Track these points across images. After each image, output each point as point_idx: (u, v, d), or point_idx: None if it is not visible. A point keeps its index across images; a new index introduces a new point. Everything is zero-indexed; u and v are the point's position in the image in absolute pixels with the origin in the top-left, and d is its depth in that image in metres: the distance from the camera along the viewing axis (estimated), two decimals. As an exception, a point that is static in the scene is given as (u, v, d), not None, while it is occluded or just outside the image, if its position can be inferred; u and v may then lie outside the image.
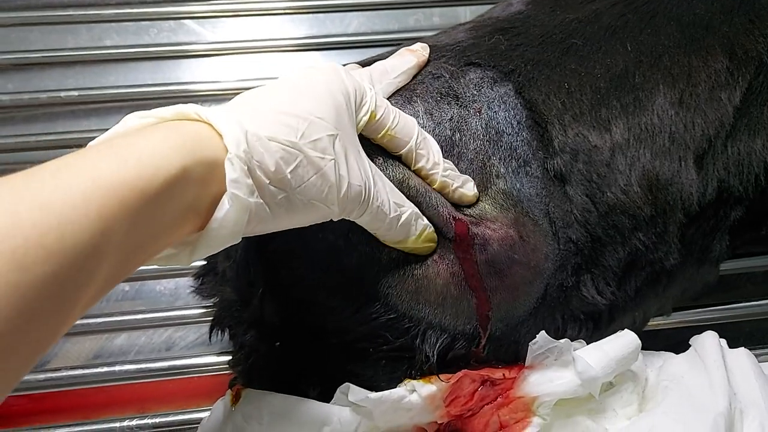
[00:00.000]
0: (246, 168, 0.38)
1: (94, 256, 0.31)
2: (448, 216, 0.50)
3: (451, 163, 0.51)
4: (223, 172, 0.37)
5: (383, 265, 0.50)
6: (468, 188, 0.51)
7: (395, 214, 0.46)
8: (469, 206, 0.52)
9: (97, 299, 0.34)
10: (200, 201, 0.37)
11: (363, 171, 0.44)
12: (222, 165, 0.37)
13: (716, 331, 0.59)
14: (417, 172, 0.50)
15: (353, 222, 0.47)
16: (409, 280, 0.50)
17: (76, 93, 0.81)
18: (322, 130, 0.42)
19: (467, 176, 0.51)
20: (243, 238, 0.53)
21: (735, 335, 0.58)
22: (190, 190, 0.36)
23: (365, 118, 0.47)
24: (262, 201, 0.39)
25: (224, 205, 0.37)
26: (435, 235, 0.50)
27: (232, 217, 0.38)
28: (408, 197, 0.49)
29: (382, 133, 0.48)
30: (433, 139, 0.51)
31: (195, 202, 0.37)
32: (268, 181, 0.39)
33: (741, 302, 0.72)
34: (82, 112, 0.86)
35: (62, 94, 0.81)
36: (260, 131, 0.39)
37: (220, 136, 0.38)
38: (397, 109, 0.49)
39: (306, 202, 0.42)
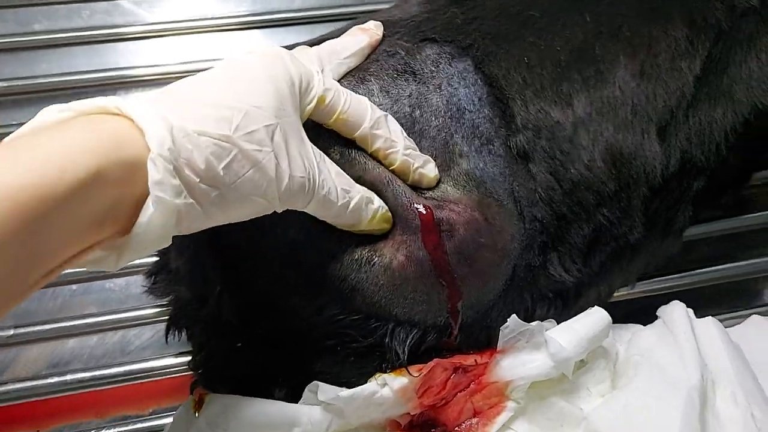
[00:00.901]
0: (171, 167, 0.35)
1: None
2: (412, 206, 0.48)
3: (413, 142, 0.49)
4: (146, 173, 0.34)
5: (345, 262, 0.48)
6: (429, 169, 0.49)
7: (344, 201, 0.44)
8: (430, 189, 0.50)
9: None
10: (120, 204, 0.34)
11: (307, 161, 0.42)
12: (145, 166, 0.34)
13: (678, 298, 0.59)
14: (374, 154, 0.48)
15: (311, 215, 0.44)
16: (374, 284, 0.48)
17: (4, 84, 0.76)
18: (260, 120, 0.39)
19: (428, 157, 0.49)
20: (193, 236, 0.50)
21: (696, 300, 0.58)
22: (106, 194, 0.33)
23: (312, 105, 0.44)
24: (192, 201, 0.36)
25: (148, 209, 0.34)
26: (389, 215, 0.48)
27: (158, 221, 0.35)
28: (366, 186, 0.47)
29: (334, 117, 0.46)
30: (393, 119, 0.48)
31: (114, 206, 0.34)
32: (198, 180, 0.36)
33: (701, 267, 0.72)
34: (11, 103, 0.80)
35: (-11, 85, 0.76)
36: (188, 125, 0.36)
37: (142, 133, 0.35)
38: (348, 90, 0.47)
39: (243, 197, 0.39)
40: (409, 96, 0.50)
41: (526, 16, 0.54)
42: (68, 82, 0.79)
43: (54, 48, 0.83)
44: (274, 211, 0.42)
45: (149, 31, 0.84)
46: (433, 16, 0.55)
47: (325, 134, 0.47)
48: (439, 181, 0.50)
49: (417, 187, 0.49)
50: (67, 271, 0.69)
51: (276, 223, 0.46)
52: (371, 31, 0.52)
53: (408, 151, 0.48)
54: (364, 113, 0.46)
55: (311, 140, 0.44)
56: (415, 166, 0.48)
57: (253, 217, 0.41)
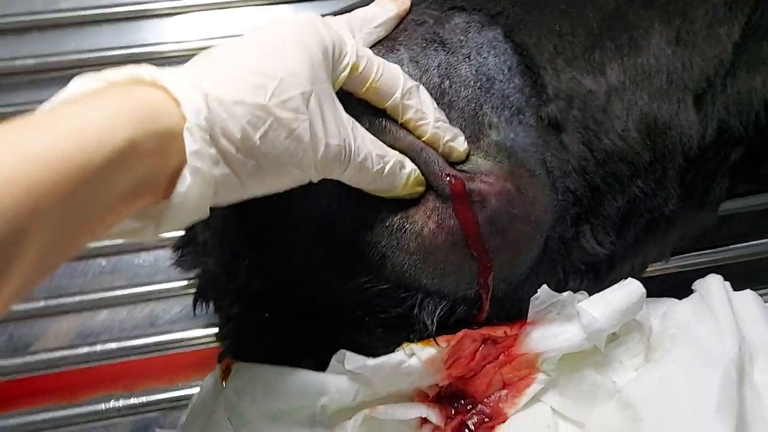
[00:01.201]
0: (208, 137, 0.35)
1: (17, 236, 0.28)
2: (443, 174, 0.47)
3: (444, 114, 0.48)
4: (183, 143, 0.34)
5: (377, 231, 0.48)
6: (458, 142, 0.48)
7: (379, 167, 0.44)
8: (460, 162, 0.49)
9: (32, 282, 0.31)
10: (157, 175, 0.34)
11: (342, 128, 0.41)
12: (181, 135, 0.34)
13: (714, 272, 0.57)
14: (405, 125, 0.47)
15: (344, 184, 0.44)
16: (404, 251, 0.48)
17: (32, 61, 0.76)
18: (295, 87, 0.38)
19: (458, 129, 0.48)
20: (221, 207, 0.50)
21: (732, 276, 0.57)
22: (142, 164, 0.33)
23: (345, 72, 0.43)
24: (229, 171, 0.36)
25: (186, 179, 0.34)
26: (422, 178, 0.47)
27: (196, 191, 0.35)
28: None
29: (366, 86, 0.45)
30: (425, 89, 0.47)
31: (150, 176, 0.34)
32: (234, 150, 0.36)
33: (737, 243, 0.70)
34: (42, 81, 0.81)
35: (17, 62, 0.76)
36: (223, 94, 0.36)
37: (177, 103, 0.34)
38: (380, 59, 0.46)
39: (279, 167, 0.38)
40: (438, 66, 0.49)
41: (558, -17, 0.53)
42: (95, 59, 0.79)
43: (81, 25, 0.83)
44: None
45: (176, 8, 0.84)
46: (462, -17, 0.54)
47: (355, 102, 0.46)
48: (468, 154, 0.49)
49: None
50: (96, 244, 0.70)
51: (307, 193, 0.46)
52: (399, 1, 0.51)
53: (438, 124, 0.47)
54: (396, 82, 0.45)
55: (344, 106, 0.43)
56: (446, 139, 0.47)
57: (290, 187, 0.41)
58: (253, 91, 0.37)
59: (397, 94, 0.45)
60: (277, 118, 0.37)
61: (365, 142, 0.43)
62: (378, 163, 0.43)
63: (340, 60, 0.43)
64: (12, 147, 0.29)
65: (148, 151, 0.33)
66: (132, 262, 0.85)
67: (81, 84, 0.35)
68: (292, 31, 0.41)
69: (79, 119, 0.31)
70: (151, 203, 0.35)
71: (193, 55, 0.79)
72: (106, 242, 0.71)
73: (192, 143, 0.34)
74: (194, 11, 0.85)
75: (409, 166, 0.46)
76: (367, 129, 0.46)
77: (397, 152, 0.46)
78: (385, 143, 0.46)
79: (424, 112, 0.46)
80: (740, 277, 0.58)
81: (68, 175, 0.30)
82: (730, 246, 0.69)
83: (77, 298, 0.67)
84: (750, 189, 0.69)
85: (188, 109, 0.34)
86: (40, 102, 0.79)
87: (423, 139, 0.47)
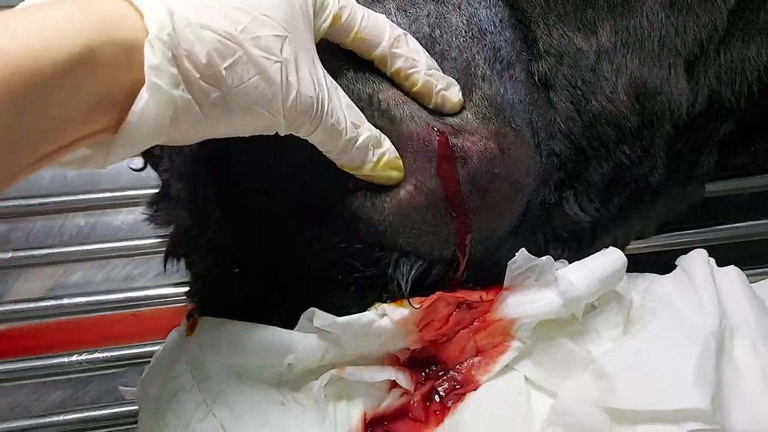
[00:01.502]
0: (170, 54, 0.32)
1: None
2: (427, 126, 0.45)
3: (435, 62, 0.46)
4: (142, 58, 0.32)
5: (350, 188, 0.46)
6: (452, 92, 0.46)
7: (351, 135, 0.42)
8: (451, 114, 0.47)
9: None
10: (114, 90, 0.32)
11: (317, 82, 0.39)
12: (141, 49, 0.32)
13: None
14: (395, 76, 0.45)
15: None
16: (379, 212, 0.46)
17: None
18: (268, 28, 0.36)
19: (452, 79, 0.46)
20: (194, 153, 0.48)
21: (720, 258, 0.55)
22: (99, 76, 0.31)
23: (327, 23, 0.41)
24: (189, 96, 0.34)
25: (143, 96, 0.32)
26: (399, 162, 0.45)
27: (153, 110, 0.32)
28: (379, 111, 0.45)
29: (351, 36, 0.43)
30: (413, 38, 0.45)
31: (107, 91, 0.32)
32: (198, 75, 0.34)
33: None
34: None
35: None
36: (192, 16, 0.34)
37: (140, 15, 0.32)
38: (365, 8, 0.44)
39: (246, 106, 0.36)
40: (428, 15, 0.48)
41: (553, -63, 0.51)
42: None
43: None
44: (277, 134, 0.40)
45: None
46: (454, -64, 0.52)
47: (340, 53, 0.44)
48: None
49: (437, 112, 0.46)
50: (75, 197, 0.68)
51: (279, 146, 0.44)
52: None
53: (431, 71, 0.45)
54: (382, 31, 0.44)
55: (324, 59, 0.41)
56: (438, 87, 0.45)
57: (257, 133, 0.39)
58: (224, 21, 0.35)
59: (384, 43, 0.43)
60: (247, 52, 0.35)
61: (341, 106, 0.41)
62: (351, 131, 0.41)
63: (322, 11, 0.41)
64: None
65: (106, 61, 0.31)
66: (110, 223, 0.83)
67: None
68: None
69: (29, 23, 0.29)
70: (105, 129, 0.33)
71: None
72: (84, 196, 0.69)
73: (152, 57, 0.32)
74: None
75: (386, 145, 0.44)
76: (351, 77, 0.44)
77: (376, 130, 0.44)
78: (367, 92, 0.44)
79: (415, 60, 0.44)
80: (727, 258, 0.57)
81: (15, 81, 0.28)
82: (718, 227, 0.67)
83: (45, 251, 0.64)
84: (740, 168, 0.67)
85: (151, 22, 0.32)
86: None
87: (415, 88, 0.45)
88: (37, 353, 0.68)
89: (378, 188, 0.46)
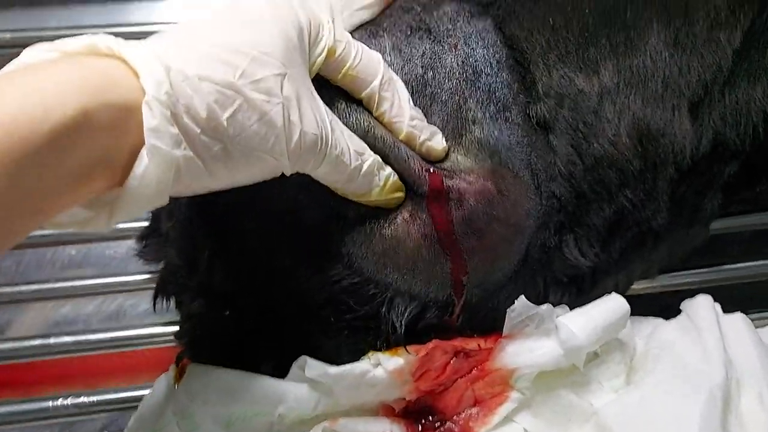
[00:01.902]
0: (169, 113, 0.31)
1: None
2: (420, 168, 0.44)
3: (420, 111, 0.45)
4: (141, 119, 0.31)
5: (349, 222, 0.45)
6: (436, 141, 0.45)
7: (356, 164, 0.40)
8: (439, 161, 0.46)
9: None
10: (113, 153, 0.31)
11: (319, 117, 0.38)
12: (139, 110, 0.31)
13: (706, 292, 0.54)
14: (379, 119, 0.44)
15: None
16: (376, 241, 0.45)
17: (9, 35, 0.73)
18: (268, 68, 0.35)
19: (435, 128, 0.45)
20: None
21: (725, 300, 0.54)
22: (96, 139, 0.30)
23: (321, 57, 0.40)
24: (192, 154, 0.33)
25: (143, 160, 0.31)
26: (401, 184, 0.44)
27: (154, 173, 0.31)
28: (373, 149, 0.43)
29: (342, 72, 0.42)
30: (402, 84, 0.44)
31: (105, 154, 0.31)
32: (199, 130, 0.33)
33: (731, 264, 0.67)
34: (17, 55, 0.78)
35: (-5, 36, 0.73)
36: (188, 69, 0.33)
37: (136, 74, 0.31)
38: (360, 44, 0.43)
39: (249, 153, 0.35)
40: (422, 55, 0.47)
41: (554, -25, 0.50)
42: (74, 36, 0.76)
43: (66, 4, 0.81)
44: None
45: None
46: (454, -28, 0.51)
47: (331, 90, 0.43)
48: (449, 150, 0.46)
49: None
50: (67, 231, 0.67)
51: (273, 182, 0.43)
52: None
53: (414, 122, 0.44)
54: (375, 70, 0.43)
55: (318, 91, 0.40)
56: (422, 138, 0.44)
57: (262, 179, 0.38)
58: (222, 68, 0.34)
59: (375, 83, 0.42)
60: (247, 98, 0.34)
61: (343, 136, 0.40)
62: (356, 159, 0.40)
63: (317, 43, 0.40)
64: None
65: (102, 125, 0.30)
66: (103, 252, 0.82)
67: (33, 54, 0.33)
68: (266, 9, 0.38)
69: (25, 87, 0.28)
70: (105, 188, 0.32)
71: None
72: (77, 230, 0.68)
73: (151, 118, 0.31)
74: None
75: (388, 168, 0.43)
76: (341, 119, 0.43)
77: (375, 154, 0.43)
78: (358, 134, 0.43)
79: (402, 107, 0.43)
80: (733, 300, 0.55)
81: (9, 147, 0.27)
82: (723, 267, 0.65)
83: (35, 287, 0.63)
84: (745, 208, 0.66)
85: (148, 81, 0.31)
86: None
87: (399, 136, 0.44)
88: (22, 388, 0.66)
89: (374, 221, 0.44)
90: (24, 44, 0.73)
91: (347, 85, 0.43)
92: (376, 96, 0.43)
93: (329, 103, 0.42)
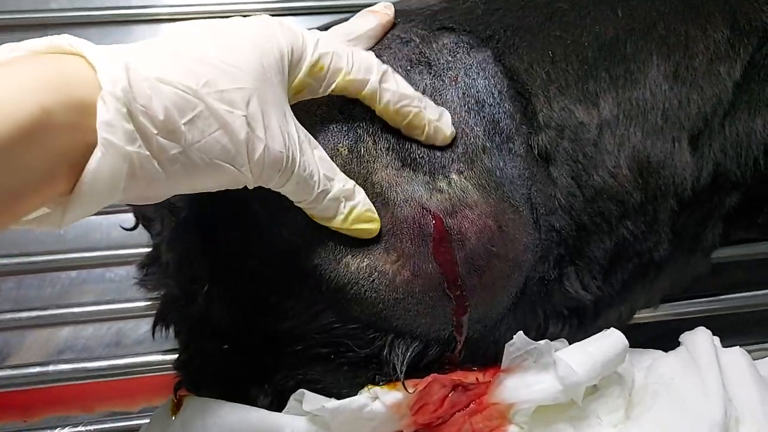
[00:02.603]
0: (125, 110, 0.31)
1: None
2: (421, 210, 0.44)
3: (425, 97, 0.45)
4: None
5: (344, 271, 0.45)
6: (445, 123, 0.44)
7: (324, 188, 0.41)
8: (448, 186, 0.45)
9: None
10: (71, 150, 0.31)
11: (288, 137, 0.38)
12: (95, 106, 0.31)
13: (705, 324, 0.54)
14: (384, 112, 0.44)
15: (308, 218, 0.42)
16: (375, 291, 0.45)
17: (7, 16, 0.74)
18: (234, 81, 0.35)
19: (444, 108, 0.45)
20: (183, 223, 0.47)
21: (724, 328, 0.54)
22: (57, 137, 0.30)
23: (303, 74, 0.40)
24: (147, 153, 0.33)
25: (96, 153, 0.31)
26: (372, 215, 0.43)
27: (108, 167, 0.31)
28: (373, 193, 0.44)
29: (340, 78, 0.42)
30: (398, 75, 0.44)
31: (65, 152, 0.31)
32: (155, 131, 0.33)
33: (731, 292, 0.67)
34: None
35: (-3, 61, 0.73)
36: (149, 70, 0.33)
37: (95, 71, 0.31)
38: (349, 48, 0.43)
39: (208, 161, 0.35)
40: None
41: (554, 8, 0.50)
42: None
43: (69, 27, 0.81)
44: (268, 208, 0.39)
45: (166, 14, 0.81)
46: (452, 5, 0.51)
47: (334, 129, 0.44)
48: (461, 176, 0.45)
49: (434, 188, 0.45)
50: (68, 256, 0.67)
51: (272, 223, 0.43)
52: (381, 13, 0.48)
53: (423, 103, 0.44)
54: (370, 68, 0.43)
55: (319, 135, 0.41)
56: (430, 118, 0.44)
57: (223, 188, 0.38)
58: (185, 74, 0.34)
59: (374, 78, 0.42)
60: (208, 106, 0.34)
61: (313, 158, 0.40)
62: (324, 184, 0.41)
63: (299, 63, 0.40)
64: None
65: (62, 122, 0.30)
66: (103, 275, 0.82)
67: (2, 51, 0.32)
68: (246, 28, 0.38)
69: None
70: (68, 190, 0.32)
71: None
72: (77, 255, 0.68)
73: (104, 112, 0.31)
74: (185, 19, 0.82)
75: (358, 199, 0.43)
76: (345, 156, 0.44)
77: (350, 180, 0.43)
78: (362, 172, 0.43)
79: (404, 93, 0.43)
80: (734, 328, 0.55)
81: None
82: (724, 296, 0.65)
83: (36, 313, 0.63)
84: (746, 237, 0.66)
85: (104, 77, 0.31)
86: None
87: (405, 121, 0.44)
88: (19, 410, 0.66)
89: (374, 271, 0.44)
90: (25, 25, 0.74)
91: (347, 89, 0.43)
92: (378, 90, 0.43)
93: (334, 141, 0.43)
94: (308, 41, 0.41)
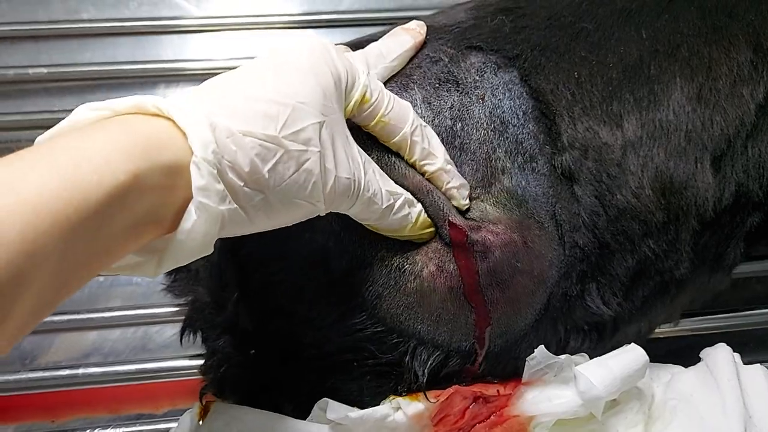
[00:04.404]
0: (215, 172, 0.33)
1: (14, 281, 0.26)
2: (445, 221, 0.45)
3: (452, 163, 0.46)
4: (189, 176, 0.32)
5: (374, 271, 0.46)
6: (461, 194, 0.46)
7: (389, 204, 0.42)
8: (468, 209, 0.47)
9: (32, 321, 0.29)
10: (161, 210, 0.33)
11: (352, 161, 0.40)
12: (187, 169, 0.32)
13: (726, 339, 0.54)
14: (410, 163, 0.45)
15: (344, 220, 0.42)
16: (401, 292, 0.46)
17: (45, 70, 0.75)
18: (307, 117, 0.37)
19: (466, 182, 0.46)
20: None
21: (745, 343, 0.54)
22: (146, 199, 0.31)
23: (356, 101, 0.42)
24: (236, 206, 0.34)
25: (191, 216, 0.32)
26: (430, 221, 0.45)
27: (201, 228, 0.33)
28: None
29: (375, 119, 0.43)
30: (432, 130, 0.46)
31: (154, 211, 0.32)
32: (242, 183, 0.34)
33: (751, 308, 0.67)
34: (55, 90, 0.80)
35: (30, 71, 0.75)
36: (233, 125, 0.34)
37: (184, 134, 0.33)
38: (391, 93, 0.44)
39: (288, 200, 0.37)
40: (451, 108, 0.48)
41: (579, 29, 0.51)
42: (111, 72, 0.78)
43: (99, 37, 0.83)
44: None
45: (195, 26, 0.83)
46: (480, 23, 0.52)
47: (364, 136, 0.45)
48: (479, 200, 0.47)
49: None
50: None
51: (303, 228, 0.44)
52: (414, 31, 0.49)
53: (448, 167, 0.45)
54: (405, 118, 0.44)
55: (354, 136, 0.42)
56: (450, 185, 0.45)
57: (296, 222, 0.39)
58: (263, 122, 0.35)
59: (406, 129, 0.44)
60: (287, 150, 0.36)
61: (375, 177, 0.42)
62: (387, 199, 0.42)
63: (353, 90, 0.42)
64: (6, 187, 0.27)
65: (152, 185, 0.31)
66: (130, 280, 0.83)
67: (83, 112, 0.34)
68: (305, 58, 0.39)
69: (79, 152, 0.30)
70: (154, 238, 0.33)
71: (209, 74, 0.79)
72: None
73: (199, 178, 0.32)
74: (212, 31, 0.84)
75: (419, 206, 0.45)
76: (378, 162, 0.44)
77: (407, 192, 0.44)
78: (393, 179, 0.44)
79: (432, 153, 0.45)
80: (754, 344, 0.55)
81: (66, 215, 0.28)
82: (745, 312, 0.65)
83: (66, 317, 0.65)
84: (767, 253, 0.66)
85: (196, 142, 0.32)
86: (52, 111, 0.78)
87: (427, 175, 0.45)
88: (46, 410, 0.68)
89: (401, 272, 0.45)
90: (61, 79, 0.76)
91: (379, 132, 0.44)
92: (408, 141, 0.44)
93: (366, 146, 0.44)
94: (360, 70, 0.42)
